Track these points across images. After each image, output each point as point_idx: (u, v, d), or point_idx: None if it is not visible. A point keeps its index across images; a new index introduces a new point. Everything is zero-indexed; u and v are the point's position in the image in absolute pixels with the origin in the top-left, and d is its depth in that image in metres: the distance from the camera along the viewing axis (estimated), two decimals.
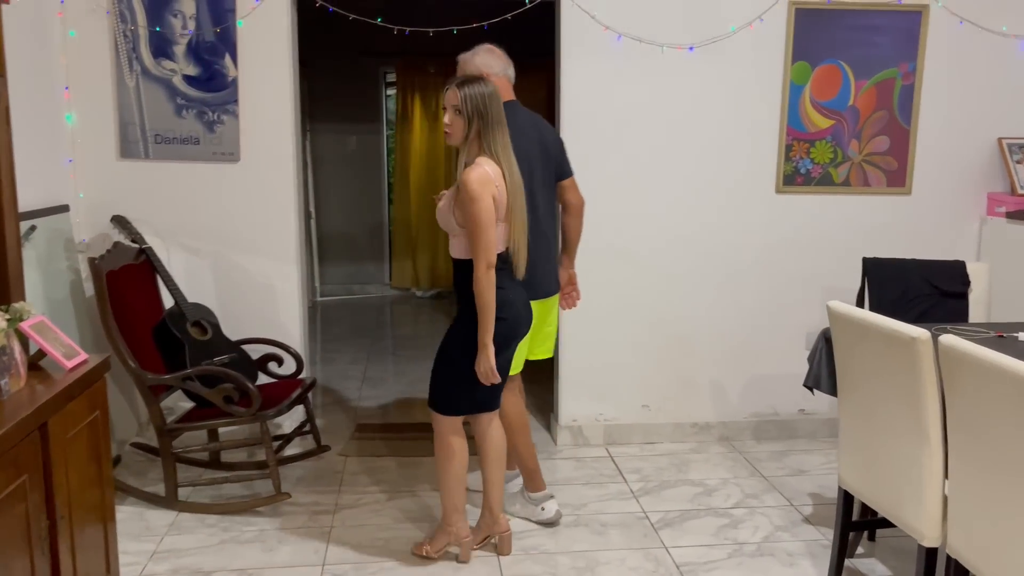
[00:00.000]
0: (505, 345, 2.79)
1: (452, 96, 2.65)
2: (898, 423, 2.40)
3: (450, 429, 2.87)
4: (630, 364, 4.06)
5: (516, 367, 3.09)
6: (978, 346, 2.08)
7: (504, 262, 2.74)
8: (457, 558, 2.95)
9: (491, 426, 2.94)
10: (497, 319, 2.69)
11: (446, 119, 2.67)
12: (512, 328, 2.79)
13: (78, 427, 2.32)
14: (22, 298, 2.46)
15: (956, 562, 2.25)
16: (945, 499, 2.30)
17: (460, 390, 2.82)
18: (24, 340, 2.31)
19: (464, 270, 2.72)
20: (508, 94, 3.07)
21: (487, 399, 2.88)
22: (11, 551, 1.95)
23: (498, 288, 2.68)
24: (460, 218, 2.66)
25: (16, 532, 1.98)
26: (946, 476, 2.30)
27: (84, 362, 2.45)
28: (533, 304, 2.94)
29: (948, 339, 2.17)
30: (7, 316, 2.21)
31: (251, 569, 2.92)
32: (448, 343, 2.84)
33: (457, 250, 2.75)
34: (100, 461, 2.48)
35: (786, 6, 3.85)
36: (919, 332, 2.26)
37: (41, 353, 2.40)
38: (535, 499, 3.26)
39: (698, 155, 3.95)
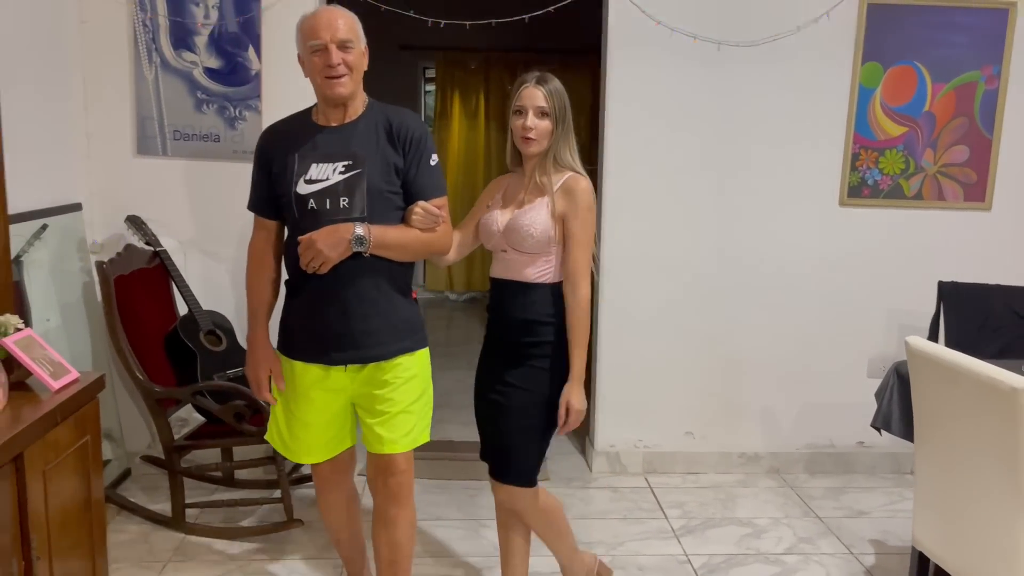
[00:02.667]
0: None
1: (535, 94, 2.27)
2: (990, 482, 2.07)
3: (542, 496, 2.45)
4: (673, 387, 3.76)
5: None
6: None
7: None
8: None
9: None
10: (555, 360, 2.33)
11: (528, 123, 2.26)
12: None
13: (61, 456, 2.10)
14: (11, 309, 2.26)
15: None
16: None
17: (546, 448, 2.41)
18: (8, 357, 2.10)
19: (535, 299, 2.31)
20: None
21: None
22: None
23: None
24: (559, 231, 2.28)
25: None
26: None
27: (74, 382, 2.23)
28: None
29: None
30: None
31: None
32: (527, 398, 2.33)
33: (533, 270, 2.32)
34: (89, 491, 2.26)
35: (857, 2, 3.52)
36: (1019, 382, 1.93)
37: (27, 371, 2.19)
38: None
39: (754, 162, 3.63)
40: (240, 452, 3.42)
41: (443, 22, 3.54)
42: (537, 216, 2.28)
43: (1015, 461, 1.99)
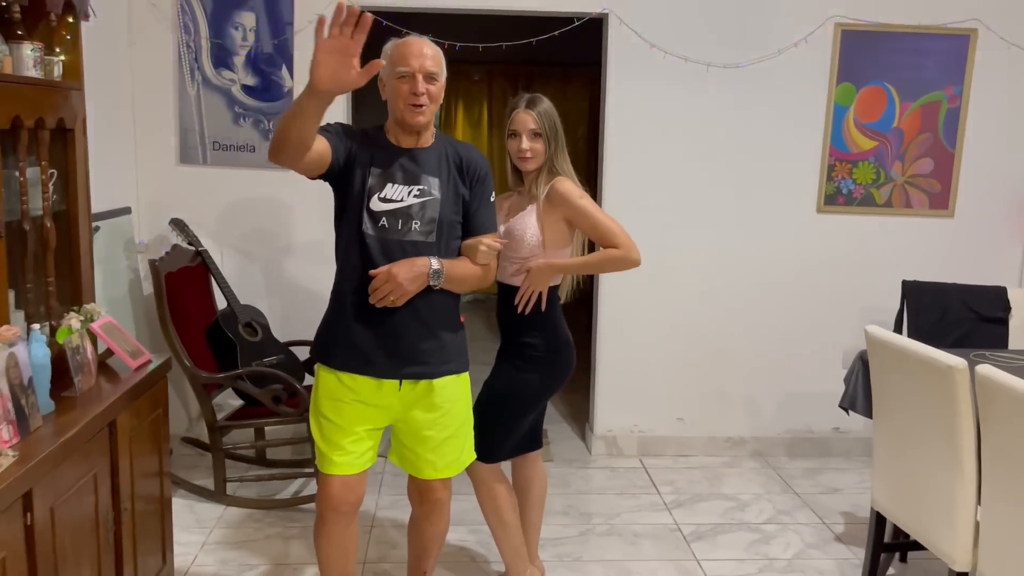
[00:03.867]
0: (558, 385, 2.62)
1: (527, 120, 2.48)
2: (933, 449, 2.44)
3: (493, 476, 2.63)
4: (666, 377, 4.12)
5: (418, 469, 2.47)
6: (1015, 377, 2.12)
7: (557, 292, 2.58)
8: None
9: (537, 465, 2.79)
10: (553, 354, 2.55)
11: (523, 145, 2.47)
12: (566, 366, 2.62)
13: (141, 424, 2.45)
14: (92, 300, 2.60)
15: None
16: (977, 525, 2.34)
17: (507, 433, 2.60)
18: (94, 340, 2.45)
19: (514, 295, 2.53)
20: None
21: (533, 437, 2.72)
22: (82, 543, 2.08)
23: (553, 321, 2.55)
24: (552, 235, 2.50)
25: (86, 523, 2.11)
26: (979, 503, 2.33)
27: (148, 362, 2.58)
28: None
29: (984, 369, 2.21)
30: (80, 317, 2.34)
31: (295, 564, 3.04)
32: (493, 384, 2.60)
33: (506, 273, 2.55)
34: (160, 456, 2.62)
35: (832, 28, 3.89)
36: (956, 361, 2.30)
37: (108, 352, 2.53)
38: None
39: (740, 173, 4.00)
40: (272, 434, 3.77)
41: (458, 45, 3.89)
42: (525, 223, 2.50)
43: (952, 429, 2.35)
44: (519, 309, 2.53)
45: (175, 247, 3.68)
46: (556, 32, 3.88)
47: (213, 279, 3.74)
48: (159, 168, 3.85)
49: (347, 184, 2.25)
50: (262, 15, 3.76)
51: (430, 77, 2.20)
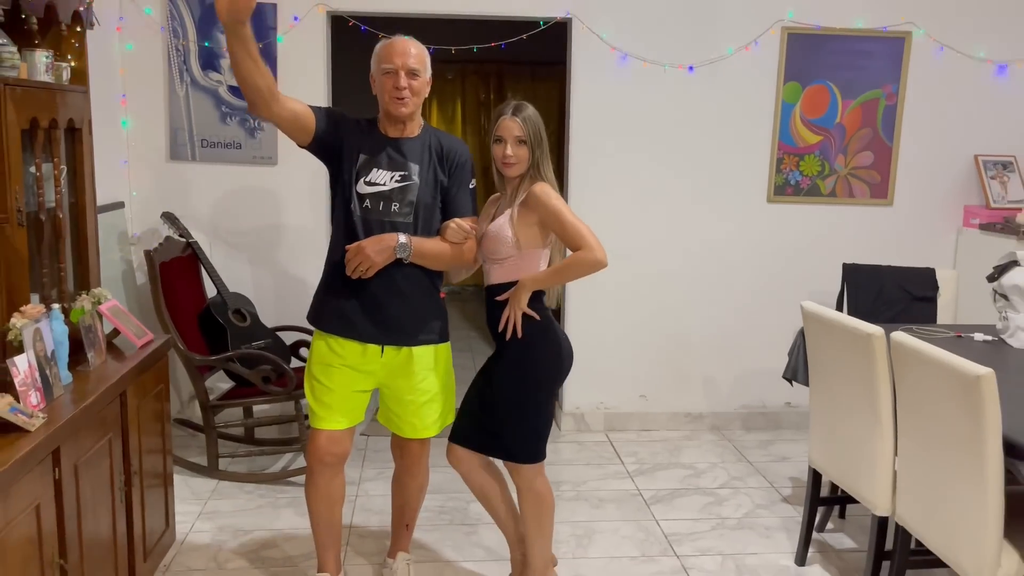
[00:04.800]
0: (559, 380, 2.70)
1: (512, 126, 2.51)
2: (857, 408, 2.74)
3: (539, 478, 2.65)
4: (629, 358, 4.42)
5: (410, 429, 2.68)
6: (922, 342, 2.43)
7: (543, 291, 2.62)
8: None
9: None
10: (559, 337, 2.62)
11: (508, 151, 2.51)
12: (567, 355, 2.66)
13: (147, 396, 2.70)
14: (99, 285, 2.84)
15: (903, 529, 2.60)
16: (895, 475, 2.65)
17: (543, 425, 2.63)
18: (100, 321, 2.68)
19: (498, 294, 2.58)
20: None
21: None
22: (99, 498, 2.33)
23: (543, 315, 2.58)
24: (527, 236, 2.54)
25: (103, 483, 2.36)
26: (896, 454, 2.64)
27: (151, 341, 2.82)
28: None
29: (898, 336, 2.52)
30: (92, 300, 2.59)
31: (287, 529, 3.30)
32: (514, 385, 2.58)
33: (502, 273, 2.58)
34: (163, 427, 2.86)
35: (779, 30, 4.20)
36: (874, 329, 2.61)
37: (115, 332, 2.77)
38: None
39: (696, 166, 4.29)
40: (259, 414, 4.02)
41: (432, 47, 4.14)
42: (501, 224, 2.55)
43: (873, 390, 2.65)
44: (507, 336, 2.55)
45: (167, 239, 3.91)
46: (525, 35, 4.15)
47: (203, 269, 3.98)
48: (150, 164, 4.07)
49: (339, 166, 2.52)
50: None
51: (412, 73, 2.44)
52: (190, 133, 4.07)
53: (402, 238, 2.46)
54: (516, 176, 2.57)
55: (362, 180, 2.49)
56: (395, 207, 2.50)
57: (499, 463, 2.75)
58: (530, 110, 2.56)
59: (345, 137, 2.50)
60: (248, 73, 2.28)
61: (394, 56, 2.44)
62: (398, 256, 2.47)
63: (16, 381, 2.06)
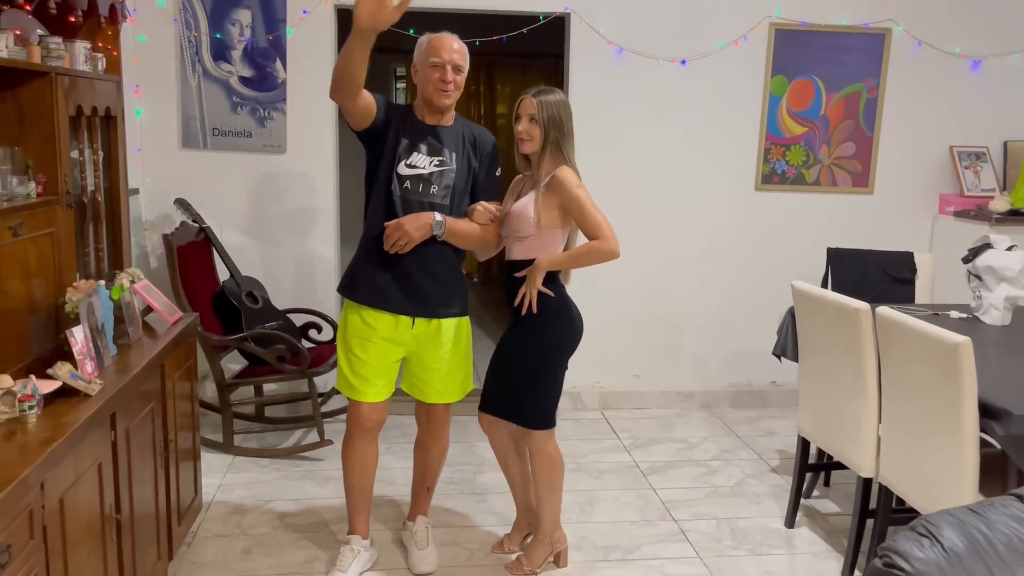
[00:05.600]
0: (570, 354, 2.85)
1: (528, 105, 2.69)
2: (844, 378, 2.96)
3: (550, 442, 2.85)
4: (623, 338, 4.62)
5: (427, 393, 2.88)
6: (905, 315, 2.65)
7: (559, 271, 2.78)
8: (557, 563, 2.99)
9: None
10: (571, 309, 2.79)
11: (521, 127, 2.69)
12: (579, 330, 2.84)
13: (181, 370, 2.85)
14: (131, 265, 2.98)
15: (886, 488, 2.82)
16: (879, 439, 2.87)
17: (554, 393, 2.84)
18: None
19: (519, 271, 2.73)
20: None
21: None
22: (144, 462, 2.49)
23: (558, 294, 2.76)
24: (548, 217, 2.70)
25: (147, 448, 2.52)
26: (880, 420, 2.86)
27: (181, 318, 2.98)
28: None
29: (883, 310, 2.74)
30: (129, 278, 2.73)
31: (305, 499, 3.46)
32: (529, 356, 2.77)
33: (523, 250, 2.74)
34: (192, 398, 3.02)
35: (767, 27, 4.40)
36: (860, 304, 2.82)
37: (147, 310, 2.92)
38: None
39: (688, 155, 4.50)
40: (269, 392, 4.17)
41: None
42: (526, 204, 2.71)
43: (859, 361, 2.86)
44: (523, 311, 2.72)
45: (182, 224, 4.04)
46: (525, 30, 4.32)
47: (216, 253, 4.12)
48: (163, 152, 4.20)
49: (381, 148, 2.67)
50: (257, 12, 4.13)
51: (457, 68, 2.64)
52: (202, 122, 4.20)
53: (438, 216, 2.65)
54: (530, 153, 2.72)
55: (403, 163, 2.67)
56: (434, 189, 2.68)
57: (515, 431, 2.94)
58: (553, 95, 2.70)
59: (392, 123, 2.68)
60: (358, 71, 2.42)
61: (442, 51, 2.62)
62: (434, 233, 2.65)
63: (74, 350, 2.21)
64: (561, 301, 2.79)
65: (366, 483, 2.89)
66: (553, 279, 2.78)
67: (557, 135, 2.69)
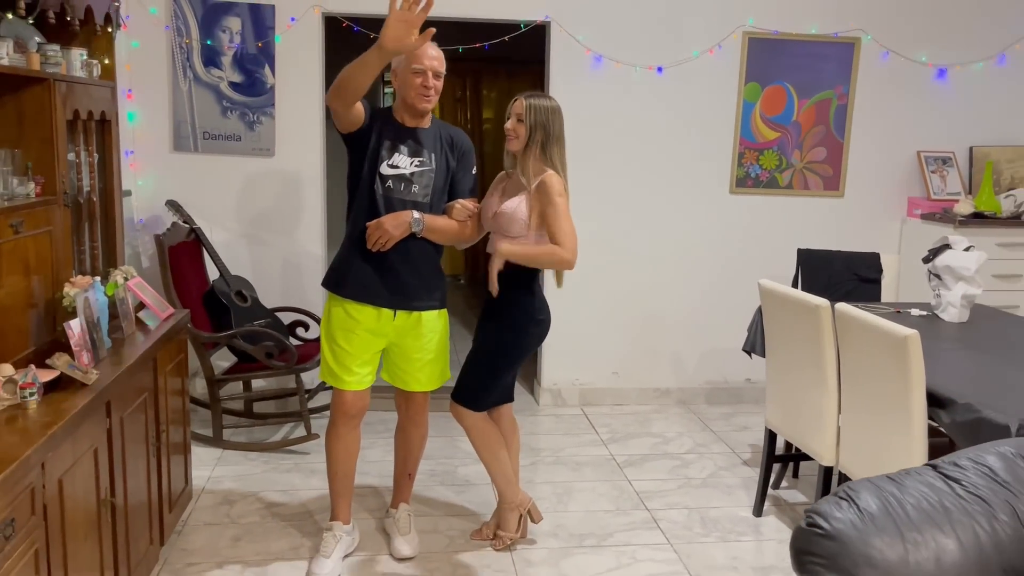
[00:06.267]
0: (536, 345, 3.06)
1: (518, 106, 2.85)
2: (806, 371, 3.11)
3: (482, 419, 3.00)
4: (603, 336, 4.76)
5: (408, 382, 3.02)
6: (860, 311, 2.80)
7: (539, 272, 2.96)
8: (533, 519, 3.18)
9: (510, 415, 3.18)
10: (536, 321, 2.94)
11: (509, 125, 2.86)
12: (545, 330, 3.01)
13: (171, 364, 2.98)
14: (124, 263, 3.10)
15: (846, 477, 2.97)
16: (839, 429, 3.01)
17: (494, 385, 2.99)
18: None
19: (514, 276, 2.87)
20: None
21: (509, 391, 3.13)
22: (137, 450, 2.61)
23: (535, 291, 2.94)
24: (536, 219, 2.83)
25: (140, 437, 2.64)
26: (840, 411, 3.01)
27: (173, 314, 3.10)
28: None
29: (841, 306, 2.89)
30: (123, 275, 2.86)
31: (292, 490, 3.58)
32: (483, 343, 2.96)
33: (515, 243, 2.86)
34: (183, 391, 3.14)
35: (741, 35, 4.56)
36: (820, 301, 2.97)
37: (140, 306, 3.04)
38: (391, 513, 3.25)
39: (664, 159, 4.65)
40: (258, 388, 4.29)
41: None
42: (517, 206, 2.84)
43: (820, 354, 3.01)
44: (493, 292, 2.87)
45: (173, 224, 4.16)
46: (506, 37, 4.46)
47: (206, 253, 4.24)
48: (155, 155, 4.32)
49: (364, 149, 2.81)
50: (247, 20, 4.26)
51: (437, 74, 2.80)
52: (192, 126, 4.32)
53: (416, 214, 2.80)
54: (515, 151, 2.87)
55: (385, 163, 2.81)
56: (415, 188, 2.83)
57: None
58: (544, 101, 2.86)
59: (375, 126, 2.82)
60: (365, 83, 2.58)
61: (424, 58, 2.76)
62: (412, 230, 2.79)
63: (72, 342, 2.33)
64: (538, 312, 2.96)
65: (349, 469, 3.02)
66: (531, 289, 2.94)
67: (543, 138, 2.84)
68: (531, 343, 3.00)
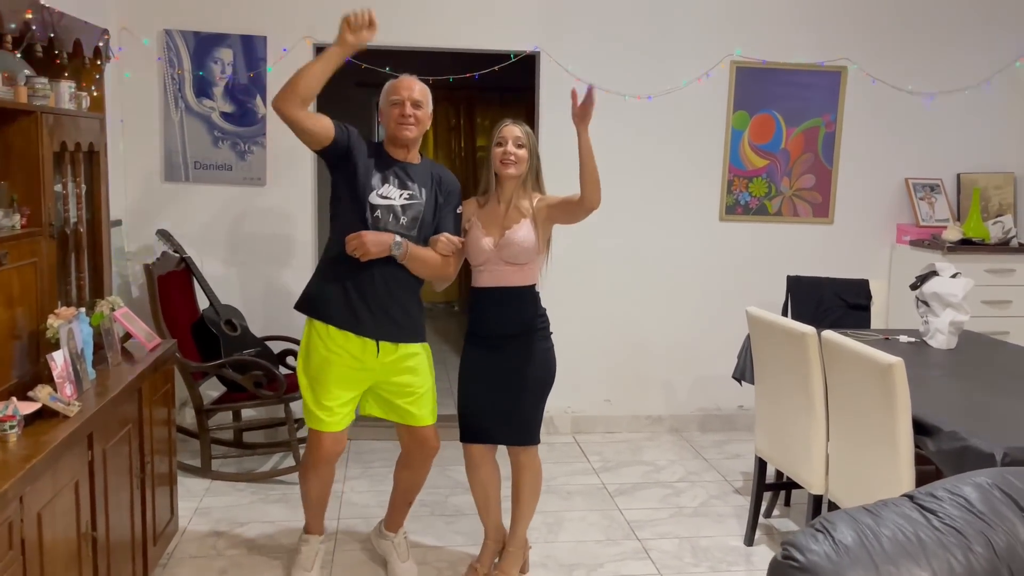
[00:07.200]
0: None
1: (515, 130, 2.87)
2: (794, 399, 3.10)
3: (538, 456, 3.06)
4: (595, 364, 4.75)
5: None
6: (847, 338, 2.80)
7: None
8: (522, 570, 3.16)
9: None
10: (553, 348, 3.02)
11: (508, 149, 2.84)
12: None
13: (157, 395, 2.97)
14: (111, 293, 3.10)
15: (835, 505, 2.95)
16: (827, 457, 3.00)
17: (543, 414, 3.06)
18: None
19: (528, 298, 2.92)
20: None
21: None
22: (120, 483, 2.59)
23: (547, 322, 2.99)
24: (543, 242, 2.90)
25: (123, 469, 2.62)
26: (828, 439, 3.00)
27: (159, 344, 3.09)
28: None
29: (828, 334, 2.89)
30: (109, 305, 2.86)
31: (279, 521, 3.56)
32: (537, 380, 2.95)
33: (521, 276, 2.90)
34: (169, 422, 3.13)
35: (728, 64, 4.61)
36: (807, 328, 2.97)
37: (126, 336, 3.04)
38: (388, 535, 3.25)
39: (655, 187, 4.67)
40: (248, 418, 4.27)
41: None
42: (528, 233, 2.85)
43: (808, 382, 3.01)
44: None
45: (164, 254, 4.17)
46: (496, 67, 4.50)
47: (196, 282, 4.24)
48: (146, 185, 4.34)
49: (354, 177, 2.81)
50: (239, 51, 4.30)
51: (416, 104, 2.83)
52: (184, 155, 4.34)
53: (397, 238, 2.78)
54: (515, 177, 2.87)
55: (375, 192, 2.80)
56: (403, 220, 2.83)
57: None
58: (529, 128, 2.95)
59: (361, 151, 2.82)
60: (317, 84, 2.66)
61: (401, 89, 2.83)
62: (393, 253, 2.76)
63: (54, 374, 2.33)
64: (550, 333, 3.04)
65: (323, 495, 3.06)
66: (541, 311, 3.00)
67: (537, 164, 2.94)
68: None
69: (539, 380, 2.97)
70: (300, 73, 2.63)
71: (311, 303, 2.92)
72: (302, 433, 4.24)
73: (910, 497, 1.50)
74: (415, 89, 2.84)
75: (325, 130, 2.75)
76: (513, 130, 2.87)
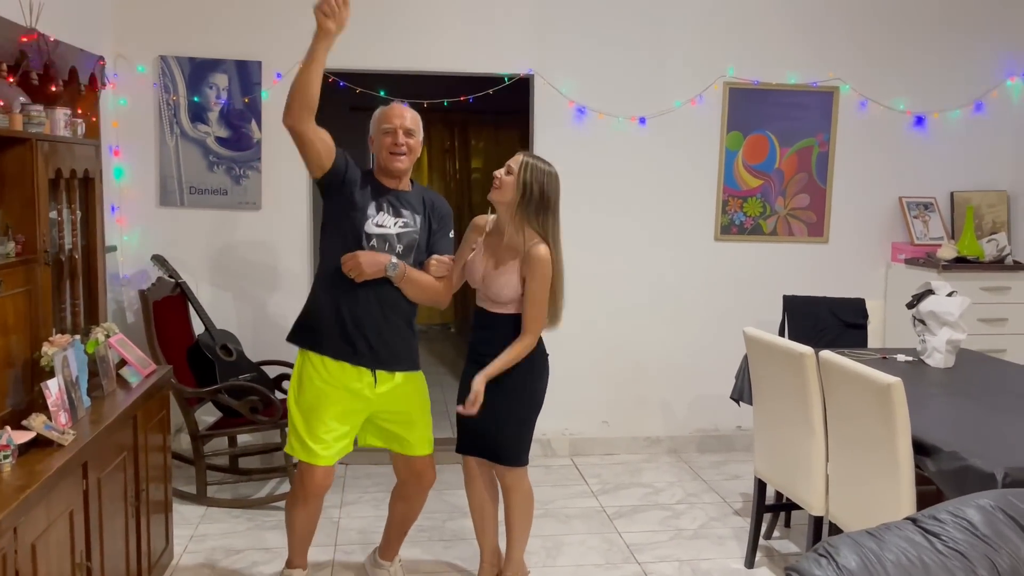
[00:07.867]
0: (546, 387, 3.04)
1: (515, 159, 2.83)
2: (793, 420, 3.09)
3: (526, 479, 3.02)
4: (592, 386, 4.74)
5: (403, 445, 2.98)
6: (844, 358, 2.80)
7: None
8: None
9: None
10: (545, 356, 2.98)
11: (498, 171, 2.82)
12: (545, 391, 3.03)
13: (152, 421, 2.95)
14: (106, 320, 3.09)
15: (836, 527, 2.93)
16: (827, 477, 2.99)
17: (530, 438, 3.02)
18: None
19: (512, 325, 2.86)
20: None
21: None
22: (115, 511, 2.57)
23: (541, 348, 2.95)
24: (525, 286, 2.82)
25: (119, 497, 2.60)
26: (828, 459, 2.98)
27: (155, 371, 3.08)
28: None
29: (825, 354, 2.89)
30: (104, 332, 2.84)
31: (276, 548, 3.51)
32: (519, 400, 2.92)
33: (495, 307, 2.90)
34: (165, 448, 3.10)
35: (722, 86, 4.64)
36: (805, 349, 2.97)
37: (121, 363, 3.02)
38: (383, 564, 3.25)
39: (649, 208, 4.68)
40: (243, 444, 4.24)
41: (406, 102, 4.50)
42: (508, 280, 2.83)
43: (806, 401, 3.00)
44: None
45: (159, 279, 4.16)
46: (491, 90, 4.52)
47: (191, 307, 4.23)
48: (141, 210, 4.34)
49: (349, 204, 2.77)
50: (234, 77, 4.31)
51: (408, 132, 2.80)
52: (179, 181, 4.34)
53: (393, 259, 2.75)
54: (495, 200, 2.83)
55: (371, 221, 2.77)
56: (399, 248, 2.80)
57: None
58: (542, 164, 2.83)
59: (356, 180, 2.79)
60: (318, 82, 2.58)
61: (393, 118, 2.80)
62: (388, 274, 2.73)
63: (49, 402, 2.31)
64: (544, 357, 2.99)
65: (310, 528, 3.01)
66: (539, 342, 2.96)
67: (536, 201, 2.79)
68: (545, 385, 3.02)
69: (519, 404, 2.93)
70: (299, 82, 2.56)
71: (305, 334, 2.88)
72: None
73: (913, 520, 1.49)
74: (407, 117, 2.82)
75: (329, 150, 2.72)
76: (515, 158, 2.82)
